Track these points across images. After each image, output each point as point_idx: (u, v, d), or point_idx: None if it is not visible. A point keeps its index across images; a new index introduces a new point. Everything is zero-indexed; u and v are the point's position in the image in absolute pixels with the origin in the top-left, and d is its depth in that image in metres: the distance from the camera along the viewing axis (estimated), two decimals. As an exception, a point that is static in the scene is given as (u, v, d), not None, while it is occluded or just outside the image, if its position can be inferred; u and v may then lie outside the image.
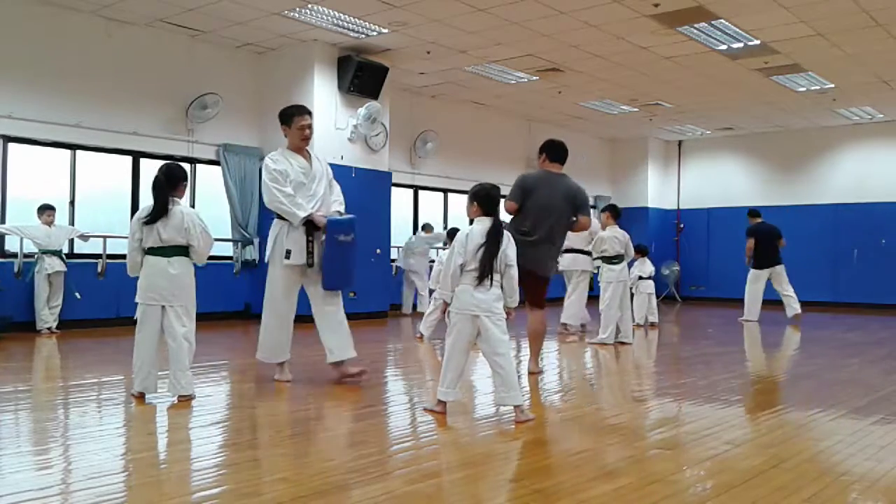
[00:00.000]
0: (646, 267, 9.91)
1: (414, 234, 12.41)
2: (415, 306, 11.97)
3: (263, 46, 10.32)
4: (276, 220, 5.24)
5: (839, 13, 8.59)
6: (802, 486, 3.07)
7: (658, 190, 17.28)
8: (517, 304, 4.35)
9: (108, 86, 9.18)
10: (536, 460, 3.57)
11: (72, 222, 8.94)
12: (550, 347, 7.92)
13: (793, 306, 11.27)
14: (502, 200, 4.84)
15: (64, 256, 8.44)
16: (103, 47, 9.14)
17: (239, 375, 6.11)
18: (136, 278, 4.72)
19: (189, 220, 4.62)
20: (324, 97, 10.16)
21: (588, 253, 8.86)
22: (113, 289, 8.86)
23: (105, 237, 9.05)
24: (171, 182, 4.68)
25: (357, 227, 5.30)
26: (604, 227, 8.34)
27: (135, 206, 9.47)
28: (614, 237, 8.13)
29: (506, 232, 4.28)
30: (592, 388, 5.75)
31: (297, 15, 8.98)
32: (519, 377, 4.44)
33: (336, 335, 5.24)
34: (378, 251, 10.87)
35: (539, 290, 5.73)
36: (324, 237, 5.14)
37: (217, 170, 10.23)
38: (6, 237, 8.39)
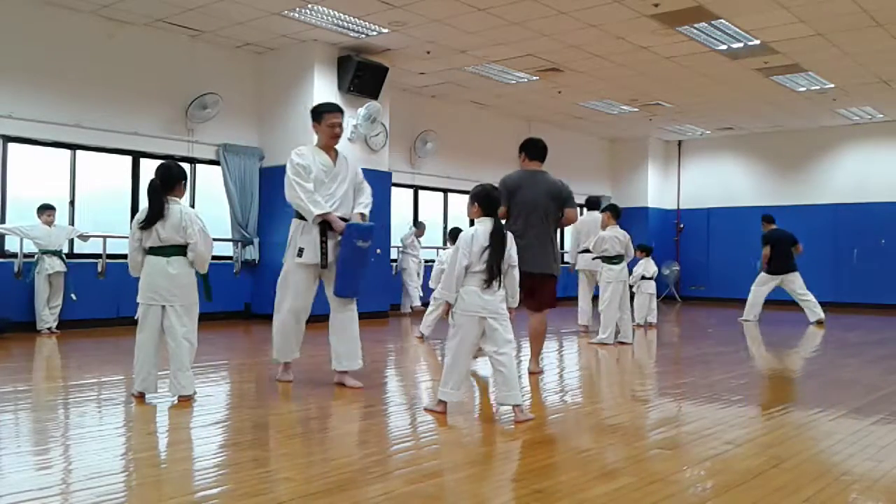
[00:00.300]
0: (649, 267, 9.89)
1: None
2: (398, 305, 11.97)
3: (263, 46, 10.32)
4: (294, 218, 5.15)
5: (839, 13, 8.59)
6: (802, 486, 3.07)
7: (658, 190, 17.28)
8: (518, 304, 4.39)
9: (108, 86, 9.18)
10: (536, 460, 3.56)
11: (72, 222, 8.94)
12: (550, 347, 7.92)
13: (814, 311, 10.97)
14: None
15: (64, 257, 8.44)
16: (103, 47, 9.14)
17: (239, 375, 6.11)
18: (137, 278, 4.72)
19: (187, 218, 4.61)
20: (324, 97, 10.12)
21: (586, 250, 8.91)
22: (113, 289, 8.87)
23: (105, 237, 9.05)
24: (169, 184, 4.67)
25: (376, 234, 5.20)
26: (604, 227, 8.34)
27: (135, 206, 9.47)
28: (615, 237, 8.13)
29: (508, 233, 4.30)
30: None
31: (297, 15, 8.97)
32: (519, 377, 4.44)
33: (346, 344, 5.17)
34: (378, 251, 10.87)
35: (546, 289, 5.72)
36: (339, 238, 5.03)
37: (217, 170, 10.23)
38: (6, 237, 8.39)
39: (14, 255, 8.37)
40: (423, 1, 8.40)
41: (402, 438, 4.04)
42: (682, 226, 17.40)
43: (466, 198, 4.50)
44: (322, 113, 5.20)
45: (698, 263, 16.94)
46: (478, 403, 4.95)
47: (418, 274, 12.00)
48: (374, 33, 9.58)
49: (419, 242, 12.18)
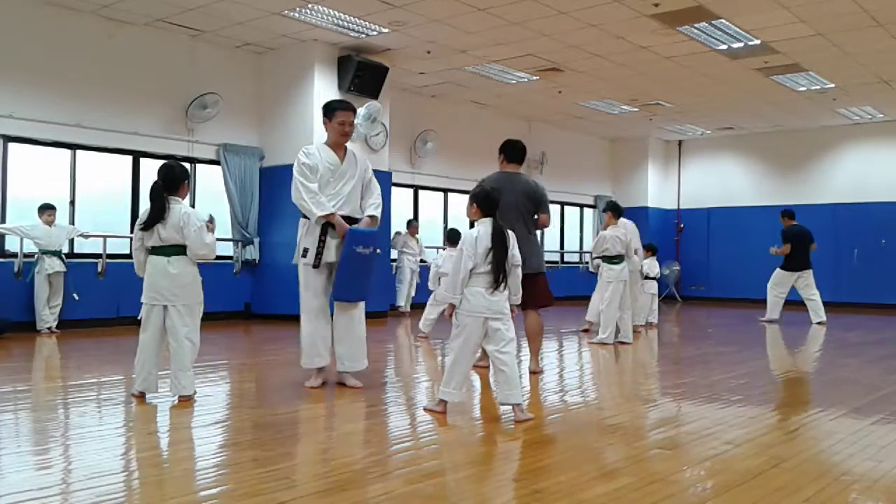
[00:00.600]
0: (653, 266, 9.88)
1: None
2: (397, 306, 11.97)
3: (263, 46, 10.32)
4: (301, 218, 5.09)
5: (839, 13, 8.59)
6: (802, 487, 3.07)
7: (658, 190, 17.28)
8: (519, 303, 4.42)
9: (108, 86, 9.18)
10: (536, 460, 3.56)
11: (72, 222, 8.93)
12: (550, 347, 7.92)
13: (818, 312, 10.94)
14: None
15: (63, 257, 8.44)
16: (103, 47, 9.14)
17: (239, 375, 6.11)
18: (139, 279, 4.72)
19: (185, 218, 4.60)
20: (324, 97, 10.11)
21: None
22: (113, 289, 8.87)
23: (105, 237, 9.05)
24: (171, 184, 4.67)
25: (378, 239, 5.12)
26: (605, 227, 8.34)
27: (135, 206, 9.49)
28: (616, 237, 8.12)
29: (510, 232, 4.31)
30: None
31: (297, 15, 8.98)
32: (520, 377, 4.45)
33: (350, 346, 5.13)
34: (378, 251, 10.85)
35: (538, 287, 5.74)
36: (338, 241, 4.98)
37: (217, 170, 10.23)
38: (6, 237, 8.39)
39: (14, 255, 8.36)
40: (423, 1, 8.40)
41: (402, 438, 4.04)
42: (682, 226, 17.40)
43: (466, 198, 4.50)
44: (335, 110, 5.11)
45: (698, 263, 16.94)
46: (477, 403, 4.95)
47: (412, 271, 11.89)
48: (375, 33, 9.58)
49: (417, 241, 12.09)
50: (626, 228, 8.47)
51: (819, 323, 10.85)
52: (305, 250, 5.03)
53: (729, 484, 3.12)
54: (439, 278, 7.75)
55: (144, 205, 4.75)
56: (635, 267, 9.00)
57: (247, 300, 10.52)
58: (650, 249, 9.84)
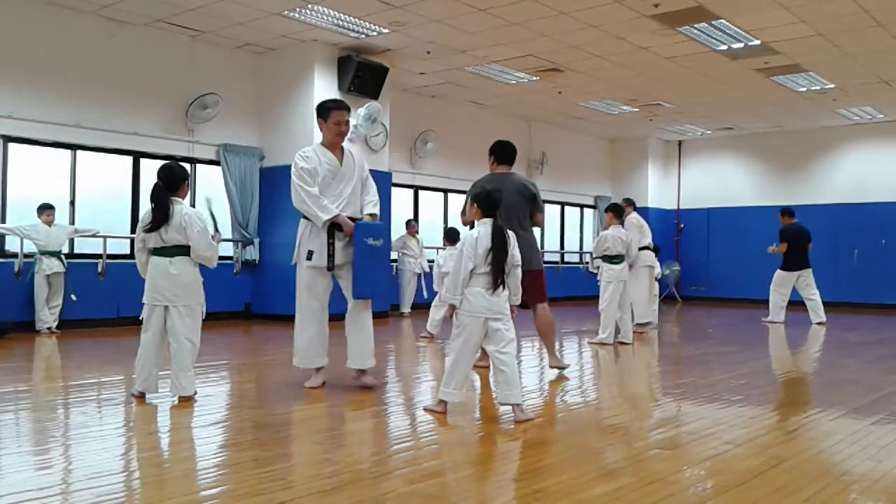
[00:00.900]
0: (655, 266, 9.86)
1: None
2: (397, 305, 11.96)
3: (263, 46, 10.32)
4: (301, 220, 5.06)
5: (840, 13, 8.59)
6: (802, 486, 3.07)
7: (658, 190, 17.28)
8: (519, 303, 4.42)
9: (108, 86, 9.18)
10: (536, 460, 3.57)
11: (72, 222, 8.93)
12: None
13: (818, 313, 10.93)
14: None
15: (63, 257, 8.44)
16: (103, 47, 9.14)
17: (239, 375, 6.12)
18: (141, 279, 4.73)
19: (186, 219, 4.60)
20: (324, 97, 10.04)
21: (646, 247, 9.05)
22: (113, 289, 8.87)
23: (105, 237, 9.05)
24: (172, 185, 4.67)
25: (385, 231, 5.11)
26: (606, 227, 8.33)
27: (135, 206, 9.49)
28: (617, 236, 8.12)
29: (510, 232, 4.31)
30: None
31: (297, 15, 8.98)
32: (520, 377, 4.45)
33: (360, 344, 5.12)
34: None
35: (535, 285, 5.75)
36: (347, 240, 4.95)
37: (217, 170, 10.23)
38: (6, 237, 8.39)
39: (14, 255, 8.36)
40: (423, 1, 8.40)
41: (403, 438, 4.04)
42: (682, 226, 17.40)
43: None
44: (330, 110, 5.06)
45: (698, 263, 16.94)
46: (477, 404, 4.95)
47: (412, 272, 11.83)
48: (375, 33, 9.58)
49: (417, 241, 12.05)
50: (639, 222, 8.63)
51: (819, 323, 10.85)
52: (310, 253, 4.99)
53: (729, 484, 3.12)
54: (443, 278, 7.75)
55: (145, 205, 4.76)
56: (644, 262, 9.22)
57: (247, 300, 10.52)
58: (652, 250, 9.82)
